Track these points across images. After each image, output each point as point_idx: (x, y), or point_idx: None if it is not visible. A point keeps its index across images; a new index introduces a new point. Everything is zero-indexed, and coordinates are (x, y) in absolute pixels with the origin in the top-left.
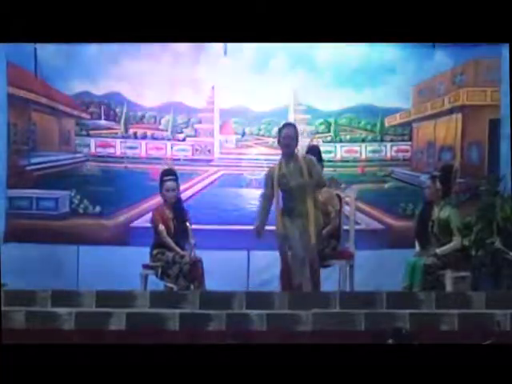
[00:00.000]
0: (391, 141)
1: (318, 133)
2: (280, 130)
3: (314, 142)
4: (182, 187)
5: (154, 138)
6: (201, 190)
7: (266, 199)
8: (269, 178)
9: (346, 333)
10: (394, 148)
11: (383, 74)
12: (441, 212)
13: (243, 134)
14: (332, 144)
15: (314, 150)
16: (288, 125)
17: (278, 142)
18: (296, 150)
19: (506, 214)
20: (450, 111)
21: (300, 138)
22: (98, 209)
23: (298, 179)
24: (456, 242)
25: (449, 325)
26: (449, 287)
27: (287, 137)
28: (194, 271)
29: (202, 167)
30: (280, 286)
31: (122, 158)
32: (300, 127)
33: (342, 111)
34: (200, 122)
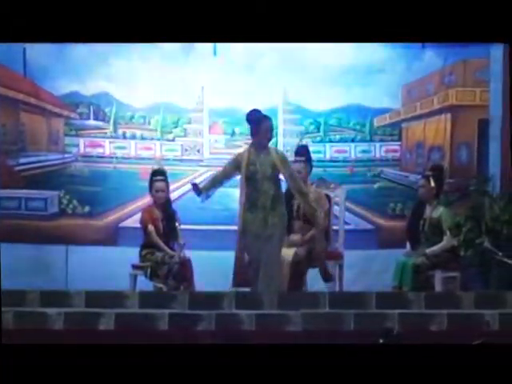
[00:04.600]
0: (380, 141)
1: (307, 133)
2: (257, 121)
3: (304, 142)
4: (171, 187)
5: (143, 138)
6: (190, 190)
7: (223, 175)
8: (235, 161)
9: (335, 333)
10: (384, 148)
11: (372, 74)
12: (433, 211)
13: (232, 134)
14: (321, 144)
15: (303, 150)
16: (265, 117)
17: (256, 133)
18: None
19: (494, 214)
20: (440, 111)
21: (289, 138)
22: (87, 209)
23: (267, 171)
24: (446, 242)
25: (438, 325)
26: (438, 287)
27: (269, 130)
28: (184, 271)
29: (192, 167)
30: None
31: (111, 158)
32: (289, 127)
33: (331, 111)
34: (189, 122)
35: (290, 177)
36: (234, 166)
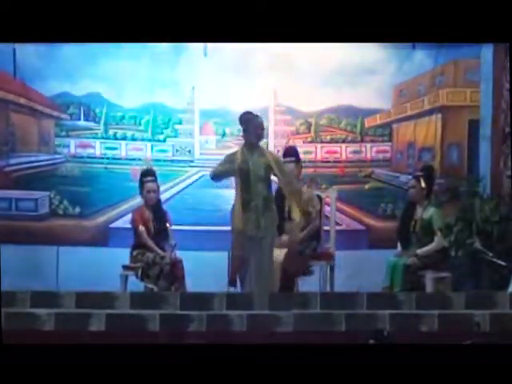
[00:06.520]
0: (371, 141)
1: (298, 133)
2: (249, 120)
3: (291, 143)
4: (162, 188)
5: (133, 138)
6: (181, 190)
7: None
8: (228, 162)
9: (326, 333)
10: (374, 149)
11: (363, 75)
12: (424, 212)
13: (223, 135)
14: (312, 144)
15: (291, 151)
16: (256, 116)
17: (246, 130)
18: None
19: (485, 215)
20: (430, 112)
21: (280, 139)
22: (77, 210)
23: (260, 172)
24: (437, 242)
25: (428, 325)
26: (429, 288)
27: (262, 128)
28: (175, 272)
29: (183, 168)
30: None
31: (102, 158)
32: (280, 128)
33: (322, 112)
34: (180, 123)
35: (284, 176)
36: (228, 164)
